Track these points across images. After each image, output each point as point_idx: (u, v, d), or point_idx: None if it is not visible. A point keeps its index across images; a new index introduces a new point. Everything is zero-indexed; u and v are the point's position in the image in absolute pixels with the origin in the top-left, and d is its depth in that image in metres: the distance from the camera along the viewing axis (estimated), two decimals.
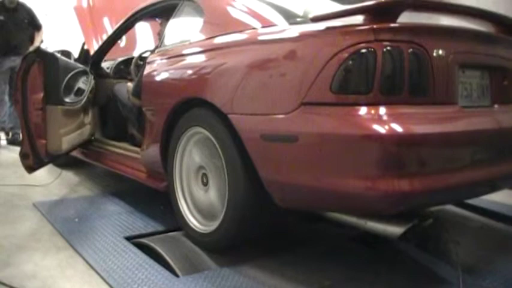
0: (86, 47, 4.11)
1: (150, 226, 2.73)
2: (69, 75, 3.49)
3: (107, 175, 4.04)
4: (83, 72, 3.67)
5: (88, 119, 3.68)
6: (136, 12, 3.43)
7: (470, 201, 3.03)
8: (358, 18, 1.82)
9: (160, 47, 2.95)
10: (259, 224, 2.26)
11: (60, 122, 3.40)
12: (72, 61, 3.73)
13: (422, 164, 1.74)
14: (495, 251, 2.53)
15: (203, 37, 2.56)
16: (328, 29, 1.87)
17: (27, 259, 2.31)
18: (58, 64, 3.40)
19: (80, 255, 2.34)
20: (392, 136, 1.66)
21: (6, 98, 5.87)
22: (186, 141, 2.48)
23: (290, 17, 2.29)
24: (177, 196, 2.54)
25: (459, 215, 3.03)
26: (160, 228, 2.69)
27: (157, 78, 2.74)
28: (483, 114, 2.11)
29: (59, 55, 3.48)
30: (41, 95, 3.30)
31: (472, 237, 2.75)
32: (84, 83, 3.63)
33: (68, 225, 2.76)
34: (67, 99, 3.45)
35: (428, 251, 2.42)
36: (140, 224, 2.76)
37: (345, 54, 1.74)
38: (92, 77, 3.72)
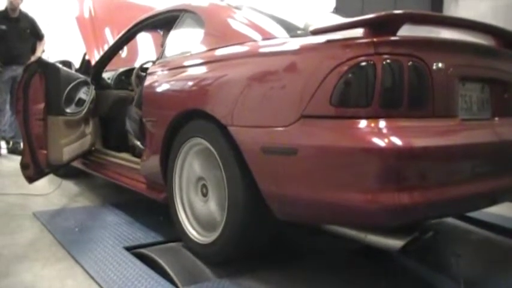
0: (87, 57, 4.13)
1: (150, 237, 2.72)
2: (70, 86, 3.50)
3: (107, 185, 4.04)
4: (84, 83, 3.68)
5: (89, 129, 3.68)
6: (138, 23, 3.44)
7: (471, 214, 3.03)
8: (359, 32, 1.83)
9: (161, 58, 2.96)
10: (258, 236, 2.25)
11: (62, 132, 3.41)
12: (73, 71, 3.75)
13: (423, 177, 1.74)
14: (496, 264, 2.52)
15: (204, 49, 2.57)
16: (328, 42, 1.88)
17: (26, 269, 2.31)
18: (59, 75, 3.41)
19: (80, 265, 2.34)
20: (392, 149, 1.66)
21: (8, 107, 5.90)
22: (186, 152, 2.48)
23: (291, 30, 2.30)
24: (176, 207, 2.54)
25: (460, 227, 3.03)
26: (160, 238, 2.69)
27: (158, 90, 2.75)
28: (483, 127, 2.11)
29: (60, 66, 3.49)
30: (42, 105, 3.31)
31: (472, 250, 2.74)
32: (85, 94, 3.64)
33: (68, 235, 2.76)
34: (68, 110, 3.46)
35: (429, 264, 2.41)
36: (140, 235, 2.76)
37: (345, 67, 1.75)
38: (93, 87, 3.73)
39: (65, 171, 4.10)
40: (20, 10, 5.85)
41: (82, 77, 3.69)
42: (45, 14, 7.34)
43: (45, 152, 3.35)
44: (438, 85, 1.84)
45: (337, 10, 7.16)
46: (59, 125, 3.39)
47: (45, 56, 5.97)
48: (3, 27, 5.72)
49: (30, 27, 5.91)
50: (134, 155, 3.39)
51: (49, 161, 3.38)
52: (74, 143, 3.52)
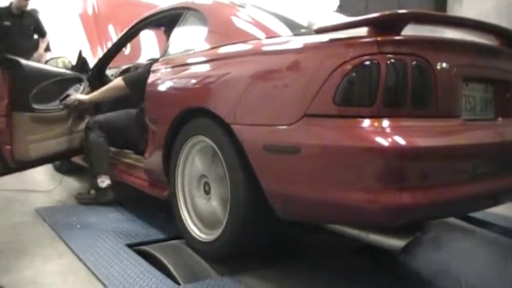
0: (83, 54, 4.09)
1: (152, 234, 2.73)
2: (46, 82, 3.41)
3: None
4: (77, 80, 3.65)
5: (80, 126, 3.65)
6: (141, 21, 3.44)
7: (472, 214, 3.02)
8: (362, 31, 1.82)
9: (164, 55, 2.96)
10: (260, 234, 2.25)
11: (28, 129, 3.31)
12: (54, 68, 3.69)
13: (425, 177, 1.73)
14: (496, 264, 2.52)
15: (207, 47, 2.57)
16: (332, 40, 1.88)
17: (27, 265, 2.31)
18: (24, 71, 3.32)
19: (82, 261, 2.34)
20: (395, 149, 1.65)
21: None
22: (189, 149, 2.48)
23: (294, 28, 2.30)
24: (179, 204, 2.54)
25: (460, 227, 3.02)
26: (161, 236, 2.69)
27: (161, 87, 2.75)
28: (486, 128, 2.11)
29: (25, 62, 3.42)
30: (5, 102, 3.26)
31: (473, 250, 2.73)
32: (76, 90, 3.61)
33: (70, 232, 2.76)
34: (40, 107, 3.40)
35: (429, 264, 2.41)
36: (142, 232, 2.76)
37: (349, 67, 1.75)
38: (87, 84, 3.70)
39: (66, 167, 4.09)
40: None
41: (69, 73, 3.65)
42: (49, 10, 7.33)
43: (9, 147, 3.29)
44: (442, 85, 1.84)
45: (341, 9, 7.15)
46: (25, 121, 3.30)
47: (49, 54, 5.98)
48: (7, 23, 5.72)
49: (33, 24, 5.93)
50: (136, 153, 3.39)
51: (14, 157, 3.31)
52: (46, 140, 3.44)
